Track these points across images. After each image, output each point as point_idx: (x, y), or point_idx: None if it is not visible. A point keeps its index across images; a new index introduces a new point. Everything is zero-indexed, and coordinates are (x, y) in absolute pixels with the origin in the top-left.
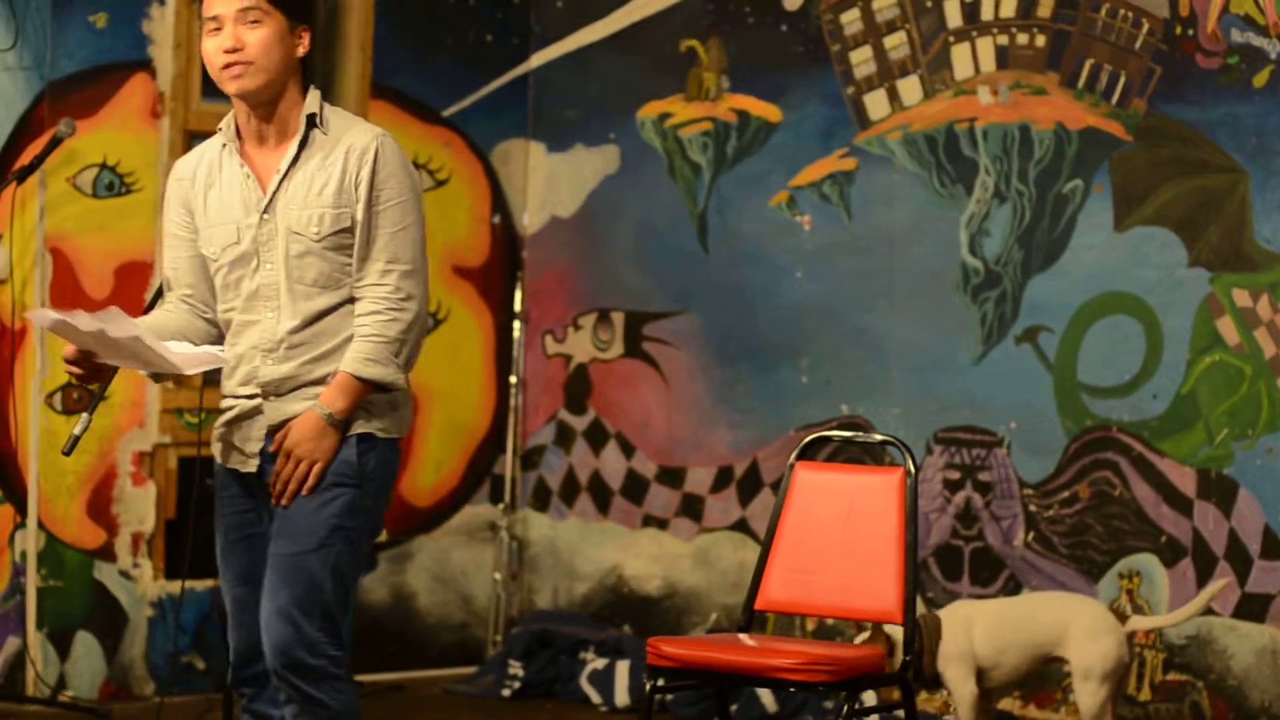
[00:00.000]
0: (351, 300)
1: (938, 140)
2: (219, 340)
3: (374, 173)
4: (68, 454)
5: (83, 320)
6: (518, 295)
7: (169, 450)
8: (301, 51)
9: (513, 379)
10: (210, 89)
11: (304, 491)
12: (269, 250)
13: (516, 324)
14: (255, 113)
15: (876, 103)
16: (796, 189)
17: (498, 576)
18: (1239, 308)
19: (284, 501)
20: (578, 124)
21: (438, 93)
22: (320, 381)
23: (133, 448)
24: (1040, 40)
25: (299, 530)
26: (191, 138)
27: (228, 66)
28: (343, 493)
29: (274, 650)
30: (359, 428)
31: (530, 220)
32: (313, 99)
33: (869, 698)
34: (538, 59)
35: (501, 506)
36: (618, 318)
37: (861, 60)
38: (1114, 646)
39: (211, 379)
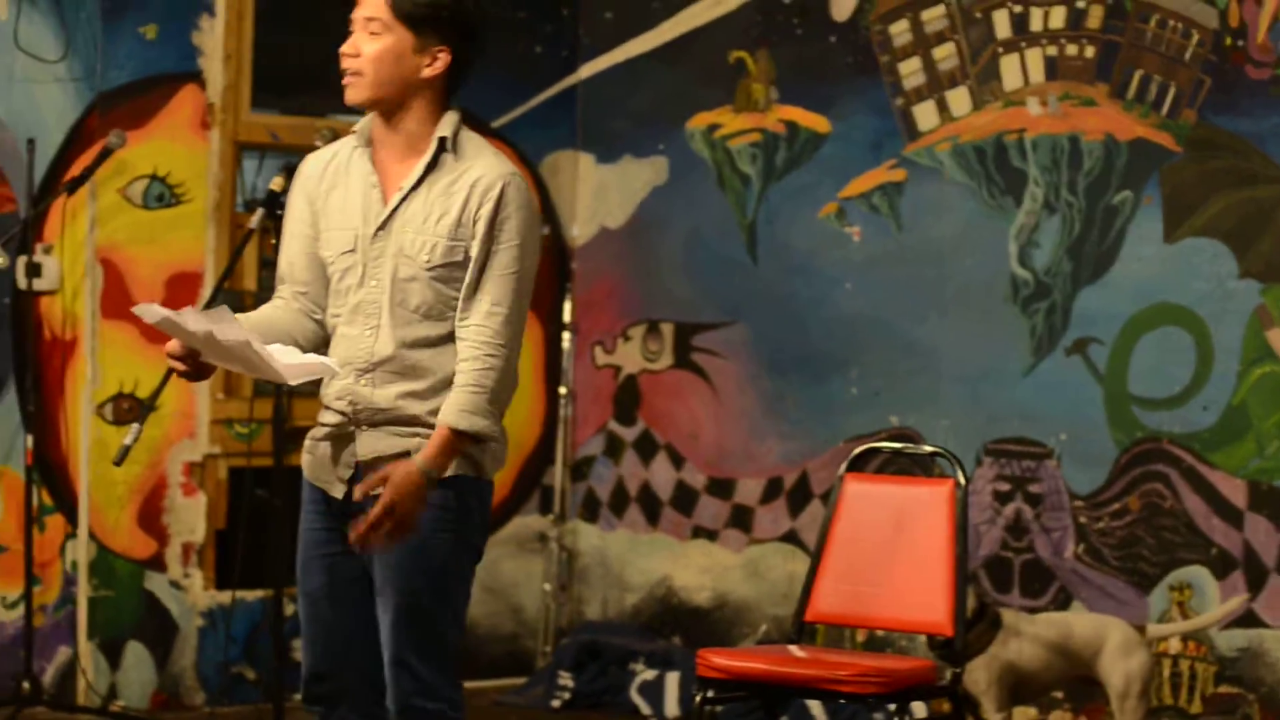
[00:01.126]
0: (450, 335)
1: (987, 151)
2: (326, 342)
3: (495, 211)
4: (118, 464)
5: (191, 320)
6: (567, 306)
7: (219, 461)
8: (430, 73)
9: (562, 390)
10: (260, 100)
11: (389, 545)
12: (377, 266)
13: (566, 335)
14: (385, 121)
15: (926, 114)
16: (846, 200)
17: (547, 587)
18: None
19: (362, 549)
20: (627, 135)
21: (487, 104)
22: (414, 421)
23: (183, 458)
24: (1089, 51)
25: (410, 576)
26: (241, 149)
27: (342, 73)
28: (448, 537)
29: (394, 698)
30: (458, 469)
31: (579, 231)
32: (447, 121)
33: (919, 709)
34: (587, 70)
35: (551, 517)
36: (667, 329)
37: (910, 71)
38: (1146, 662)
39: (263, 389)
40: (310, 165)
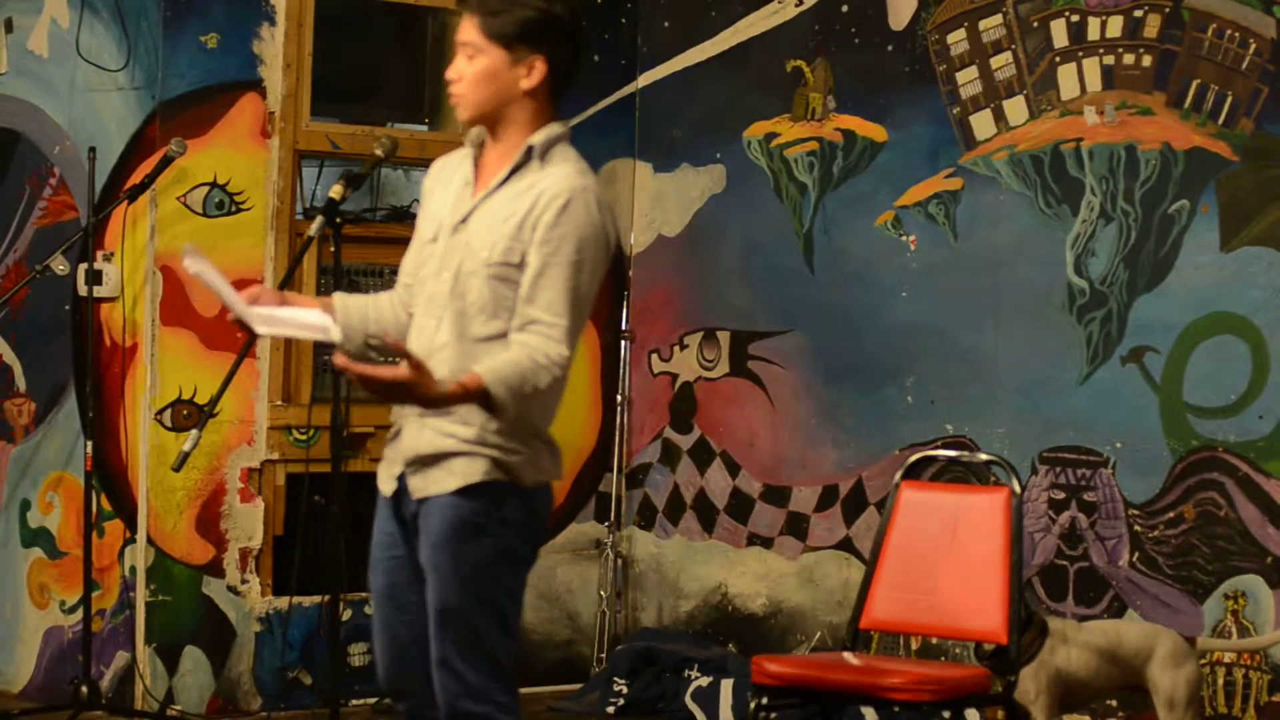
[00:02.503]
0: (504, 335)
1: (1044, 160)
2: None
3: (555, 221)
4: (177, 470)
5: (191, 263)
6: (624, 314)
7: (277, 467)
8: (528, 84)
9: (618, 397)
10: (319, 109)
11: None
12: (449, 260)
13: (623, 343)
14: (491, 133)
15: (982, 123)
16: (902, 209)
17: (603, 594)
18: None
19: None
20: (684, 144)
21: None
22: (455, 412)
23: (241, 464)
24: (1146, 60)
25: (449, 581)
26: (301, 157)
27: (451, 95)
28: (485, 542)
29: (441, 700)
30: (489, 476)
31: (637, 239)
32: (542, 132)
33: (973, 717)
34: (644, 79)
35: (607, 524)
36: (723, 337)
37: (967, 80)
38: (1195, 672)
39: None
40: (437, 164)
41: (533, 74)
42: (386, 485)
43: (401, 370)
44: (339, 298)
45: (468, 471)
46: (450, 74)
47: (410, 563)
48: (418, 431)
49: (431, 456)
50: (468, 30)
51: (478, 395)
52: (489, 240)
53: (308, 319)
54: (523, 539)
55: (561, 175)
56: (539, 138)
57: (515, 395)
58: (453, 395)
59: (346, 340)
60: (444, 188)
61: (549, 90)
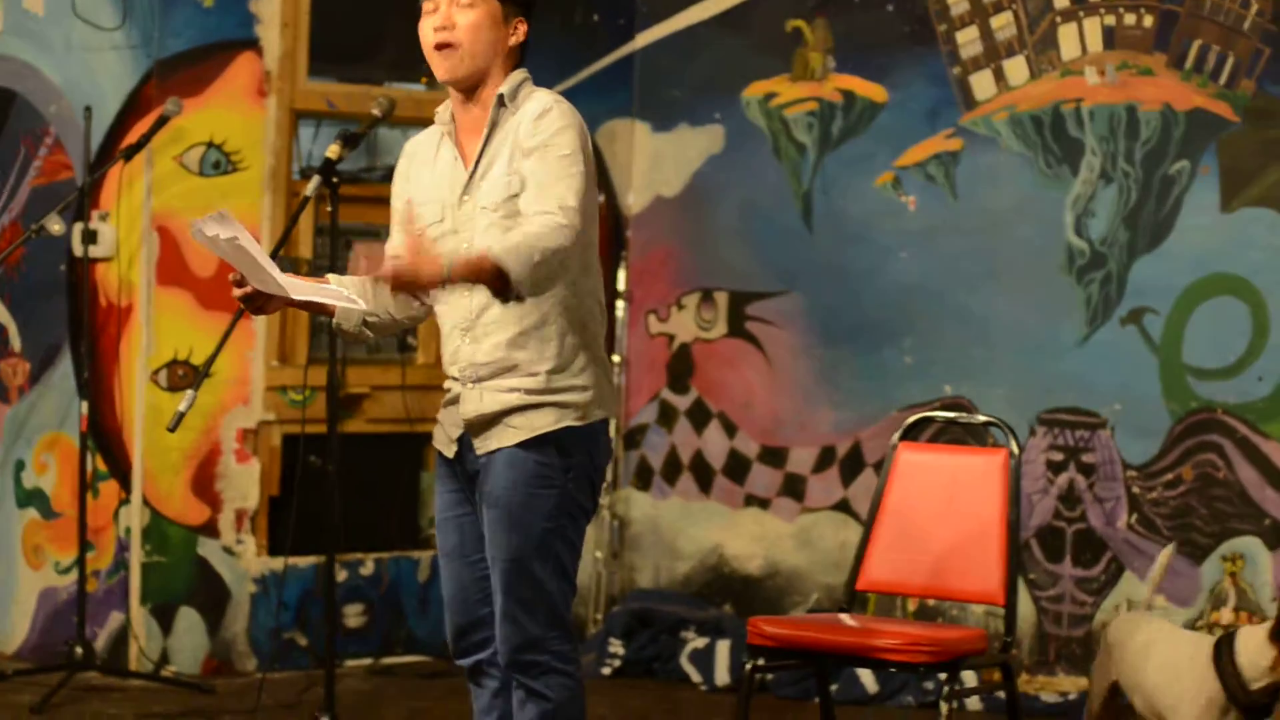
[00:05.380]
0: None
1: (1044, 121)
2: (420, 315)
3: (536, 128)
4: (173, 430)
5: (209, 225)
6: (622, 275)
7: (273, 427)
8: (514, 42)
9: (616, 358)
10: (316, 68)
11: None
12: (467, 229)
13: (620, 303)
14: (466, 99)
15: (983, 83)
16: (901, 169)
17: (599, 555)
18: None
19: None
20: (683, 104)
21: (543, 72)
22: (516, 369)
23: (237, 425)
24: (1148, 21)
25: (513, 533)
26: (298, 116)
27: (439, 47)
28: (550, 494)
29: (502, 652)
30: (553, 424)
31: (635, 200)
32: (511, 79)
33: (969, 679)
34: (643, 39)
35: (604, 485)
36: (721, 297)
37: (968, 40)
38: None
39: (318, 356)
40: (408, 146)
41: (517, 34)
42: (447, 448)
43: (402, 259)
44: (333, 279)
45: (533, 424)
46: (440, 22)
47: (477, 520)
48: (479, 396)
49: (494, 414)
50: None
51: (488, 266)
52: (491, 190)
53: (329, 288)
54: (585, 489)
55: (536, 98)
56: (506, 86)
57: (529, 264)
58: (461, 269)
59: (344, 319)
60: (428, 170)
61: (519, 57)
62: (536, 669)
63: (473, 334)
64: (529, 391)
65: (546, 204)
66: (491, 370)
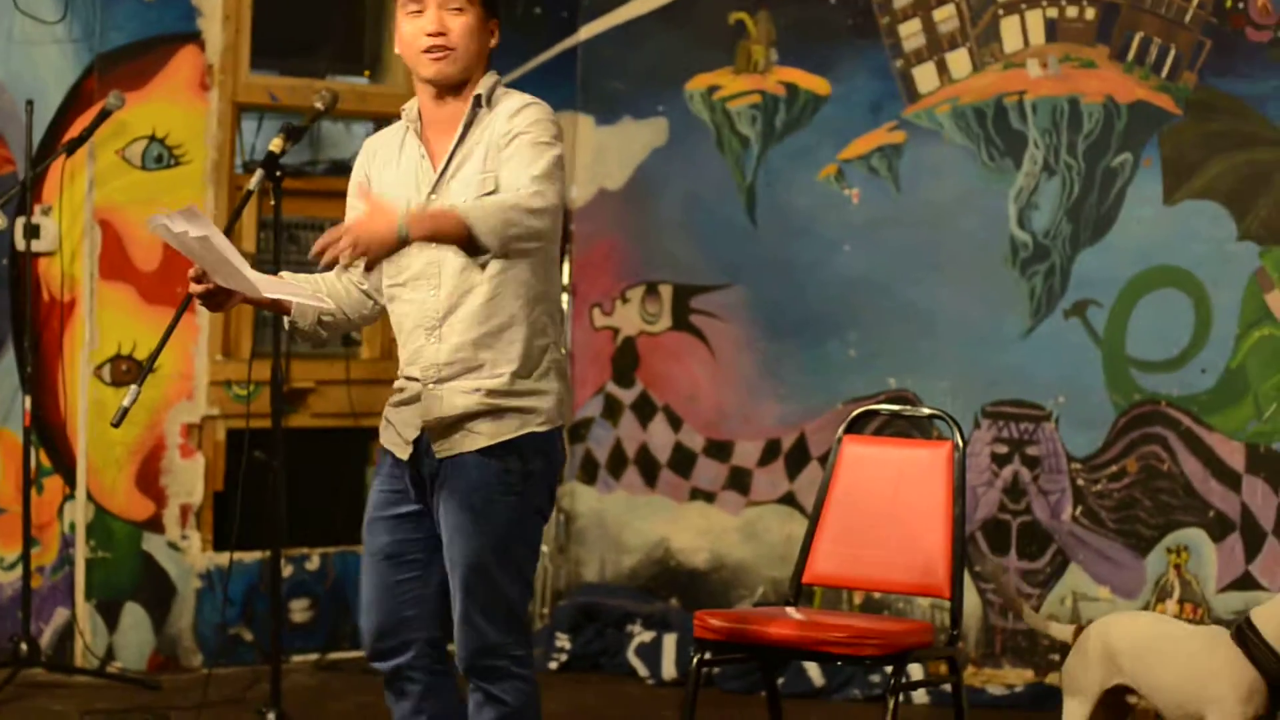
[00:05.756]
0: (508, 268)
1: (986, 113)
2: (371, 315)
3: (510, 126)
4: (117, 425)
5: (176, 221)
6: (565, 268)
7: (217, 422)
8: (493, 45)
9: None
10: (259, 61)
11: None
12: None
13: (564, 296)
14: (441, 97)
15: (925, 76)
16: (845, 162)
17: (545, 549)
18: None
19: (318, 258)
20: (626, 97)
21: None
22: (480, 369)
23: (181, 419)
24: (1090, 13)
25: (475, 538)
26: (240, 110)
27: (430, 50)
28: (512, 499)
29: (461, 656)
30: (517, 431)
31: (578, 193)
32: (485, 81)
33: (915, 671)
34: (586, 31)
35: None
36: (665, 291)
37: (911, 33)
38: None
39: (262, 350)
40: (370, 143)
41: (495, 36)
42: (401, 449)
43: (359, 216)
44: (285, 276)
45: (498, 430)
46: (434, 27)
47: (421, 522)
48: (440, 398)
49: (458, 418)
50: None
51: (454, 221)
52: (462, 191)
53: (298, 285)
54: (544, 493)
55: (507, 102)
56: (484, 88)
57: (497, 221)
58: (423, 221)
59: (300, 317)
60: (390, 169)
61: (491, 57)
62: (495, 674)
63: (438, 333)
64: (492, 393)
65: (519, 181)
66: (455, 370)
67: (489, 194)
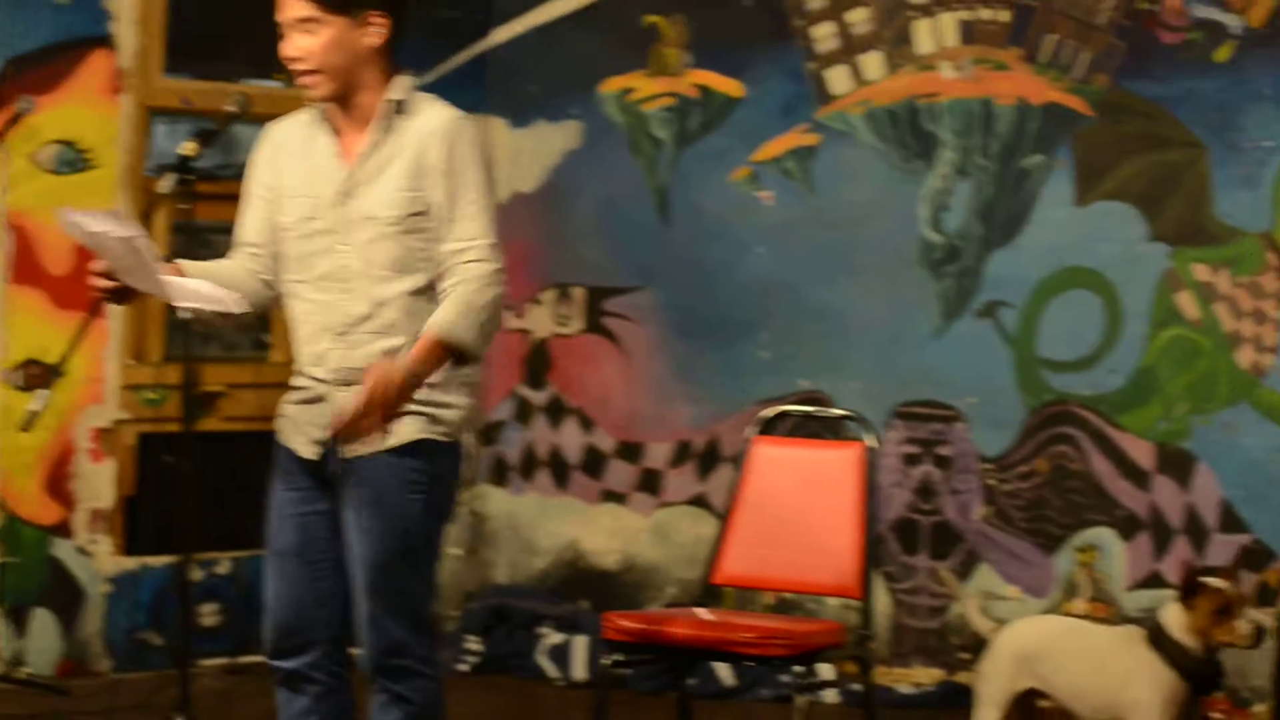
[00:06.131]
0: (425, 288)
1: (900, 115)
2: (270, 307)
3: (449, 154)
4: (26, 430)
5: (93, 221)
6: None
7: (127, 426)
8: (375, 40)
9: None
10: (172, 65)
11: (371, 438)
12: (345, 233)
13: None
14: (337, 104)
15: (839, 78)
16: (758, 164)
17: (455, 551)
18: (1199, 282)
19: (344, 440)
20: (540, 100)
21: (399, 68)
22: None
23: (91, 424)
24: (1003, 16)
25: (382, 538)
26: (153, 114)
27: (297, 74)
28: (418, 499)
29: (368, 656)
30: (423, 433)
31: None
32: (399, 85)
33: (826, 671)
34: (500, 34)
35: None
36: (578, 293)
37: (824, 36)
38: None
39: (173, 354)
40: (274, 131)
41: (376, 31)
42: (306, 448)
43: (369, 386)
44: (188, 265)
45: (406, 430)
46: (291, 52)
47: (327, 520)
48: (346, 399)
49: None
50: (297, 7)
51: (441, 350)
52: (385, 200)
53: (214, 293)
54: (449, 495)
55: (433, 114)
56: (397, 92)
57: (478, 329)
58: (420, 364)
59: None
60: (299, 161)
61: (389, 47)
62: (402, 673)
63: (348, 339)
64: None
65: (472, 246)
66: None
67: (417, 214)
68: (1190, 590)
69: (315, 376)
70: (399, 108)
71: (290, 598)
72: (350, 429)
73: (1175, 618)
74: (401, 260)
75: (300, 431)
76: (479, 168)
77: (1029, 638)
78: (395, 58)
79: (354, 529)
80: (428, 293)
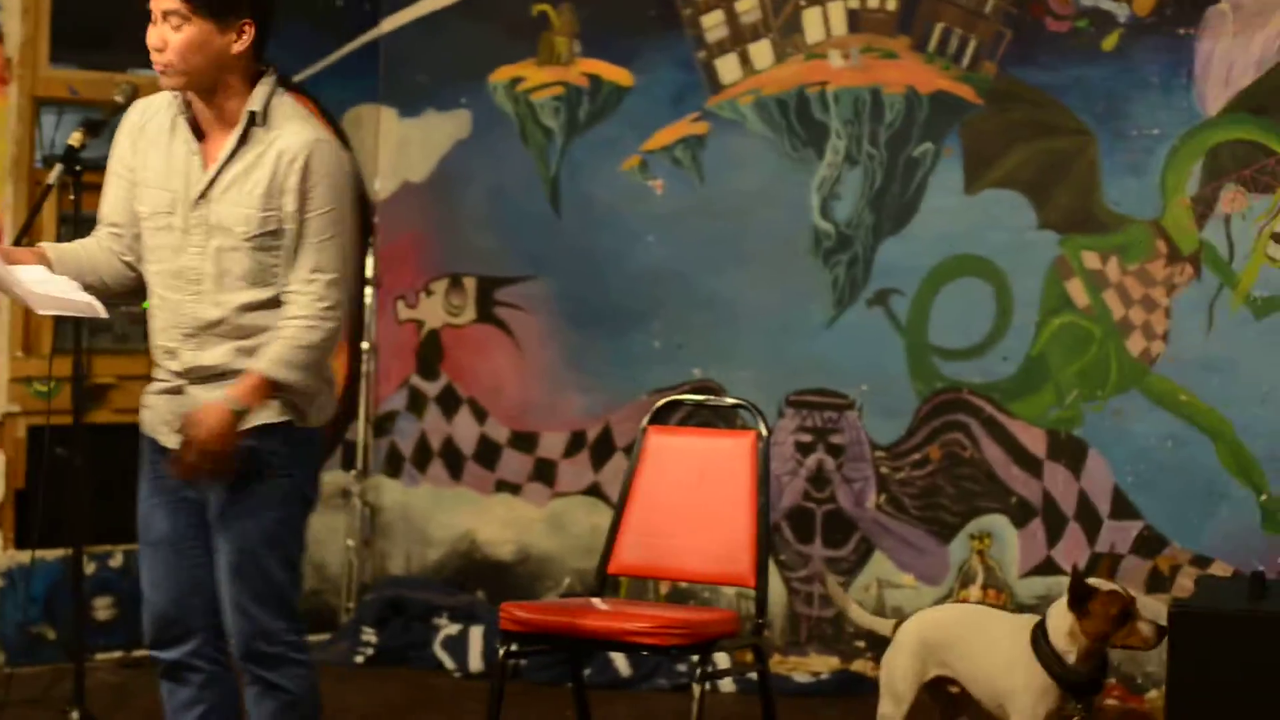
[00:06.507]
0: (275, 300)
1: (789, 104)
2: (134, 287)
3: (303, 180)
4: None
5: None
6: (369, 261)
7: (18, 419)
8: (239, 47)
9: (364, 345)
10: (59, 55)
11: (209, 479)
12: (198, 236)
13: (368, 290)
14: (197, 98)
15: (728, 66)
16: (648, 153)
17: (350, 543)
18: (1088, 269)
19: (186, 480)
20: (429, 89)
21: (288, 58)
22: (241, 374)
23: None
24: (891, 4)
25: (241, 524)
26: (39, 104)
27: (154, 62)
28: (279, 483)
29: (236, 643)
30: (282, 415)
31: (382, 185)
32: (258, 94)
33: (722, 660)
34: (389, 24)
35: (354, 473)
36: (470, 283)
37: (713, 24)
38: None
39: (63, 346)
40: (135, 113)
41: (243, 38)
42: (169, 437)
43: (197, 435)
44: (51, 249)
45: (260, 413)
46: (153, 40)
47: (196, 508)
48: (209, 393)
49: None
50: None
51: (267, 388)
52: (241, 215)
53: (75, 299)
54: (309, 480)
55: (293, 132)
56: (257, 103)
57: (299, 369)
58: (244, 401)
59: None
60: (159, 153)
61: (258, 49)
62: (272, 660)
63: (195, 341)
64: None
65: (313, 280)
66: (220, 372)
67: (270, 233)
68: (1082, 597)
69: (173, 369)
70: (257, 119)
71: (166, 587)
72: (186, 473)
73: (1059, 624)
74: (254, 273)
75: (162, 421)
76: (335, 194)
77: (932, 627)
78: (259, 59)
79: (215, 515)
80: (278, 302)
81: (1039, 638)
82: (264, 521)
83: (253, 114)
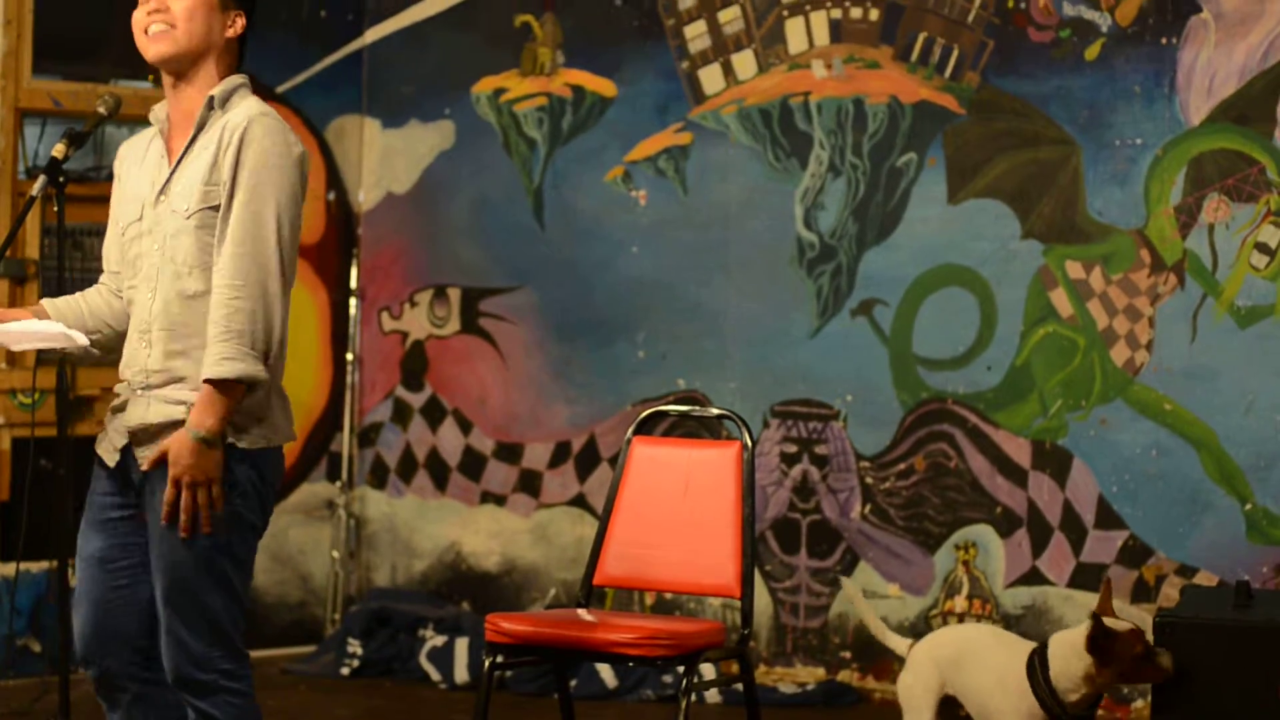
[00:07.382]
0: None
1: (772, 114)
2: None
3: (239, 151)
4: None
5: None
6: (353, 272)
7: (2, 431)
8: (231, 34)
9: (349, 356)
10: (41, 66)
11: (211, 510)
12: (159, 229)
13: (353, 301)
14: (176, 87)
15: (711, 77)
16: (632, 164)
17: (335, 555)
18: (1072, 279)
19: (184, 533)
20: (413, 100)
21: (271, 68)
22: (183, 381)
23: None
24: (874, 14)
25: (172, 549)
26: (23, 115)
27: (148, 29)
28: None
29: (167, 668)
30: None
31: (365, 197)
32: (222, 84)
33: (708, 671)
34: (372, 34)
35: (339, 484)
36: (454, 294)
37: (696, 35)
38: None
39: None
40: (121, 150)
41: (235, 26)
42: (110, 456)
43: (171, 471)
44: (48, 304)
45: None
46: (153, 4)
47: (134, 528)
48: (145, 404)
49: (160, 426)
50: None
51: (222, 394)
52: (184, 193)
53: (47, 330)
54: (251, 505)
55: (242, 110)
56: (219, 89)
57: (240, 356)
58: (207, 418)
59: (68, 343)
60: (138, 168)
61: (238, 51)
62: (203, 688)
63: (148, 337)
64: (193, 405)
65: (227, 256)
66: (161, 379)
67: (211, 208)
68: (1104, 646)
69: (125, 379)
70: (215, 103)
71: (96, 604)
72: (178, 512)
73: (1069, 668)
74: (196, 256)
75: (106, 438)
76: (262, 166)
77: (940, 646)
78: (240, 65)
79: (151, 538)
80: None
81: (1035, 666)
82: (194, 547)
83: (211, 98)
